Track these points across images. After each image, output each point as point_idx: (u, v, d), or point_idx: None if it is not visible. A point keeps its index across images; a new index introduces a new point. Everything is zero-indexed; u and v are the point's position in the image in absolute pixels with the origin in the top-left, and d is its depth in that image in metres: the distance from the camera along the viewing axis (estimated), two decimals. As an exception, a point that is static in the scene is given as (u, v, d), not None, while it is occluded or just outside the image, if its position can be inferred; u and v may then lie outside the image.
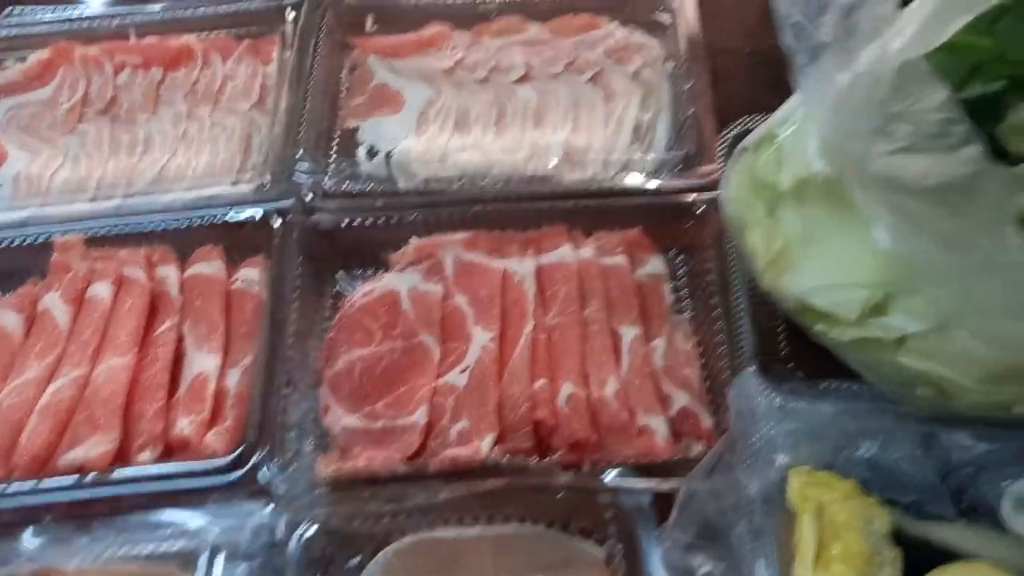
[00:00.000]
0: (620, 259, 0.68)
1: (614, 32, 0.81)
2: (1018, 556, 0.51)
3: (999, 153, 0.51)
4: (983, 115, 0.48)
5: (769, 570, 0.48)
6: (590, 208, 0.70)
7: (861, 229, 0.52)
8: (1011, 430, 0.56)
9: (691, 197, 0.69)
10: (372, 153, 0.75)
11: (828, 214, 0.54)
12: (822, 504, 0.50)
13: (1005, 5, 0.45)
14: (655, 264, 0.69)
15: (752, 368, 0.60)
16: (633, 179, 0.71)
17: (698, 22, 0.79)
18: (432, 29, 0.82)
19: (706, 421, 0.62)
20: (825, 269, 0.55)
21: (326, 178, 0.71)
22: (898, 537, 0.51)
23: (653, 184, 0.70)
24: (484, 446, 0.59)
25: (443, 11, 0.83)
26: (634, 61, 0.79)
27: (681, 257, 0.71)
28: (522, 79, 0.79)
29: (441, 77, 0.79)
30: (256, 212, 0.69)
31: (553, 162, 0.72)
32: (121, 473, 0.58)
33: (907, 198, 0.45)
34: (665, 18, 0.82)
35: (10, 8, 0.86)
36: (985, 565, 0.49)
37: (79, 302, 0.66)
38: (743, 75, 0.78)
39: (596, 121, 0.76)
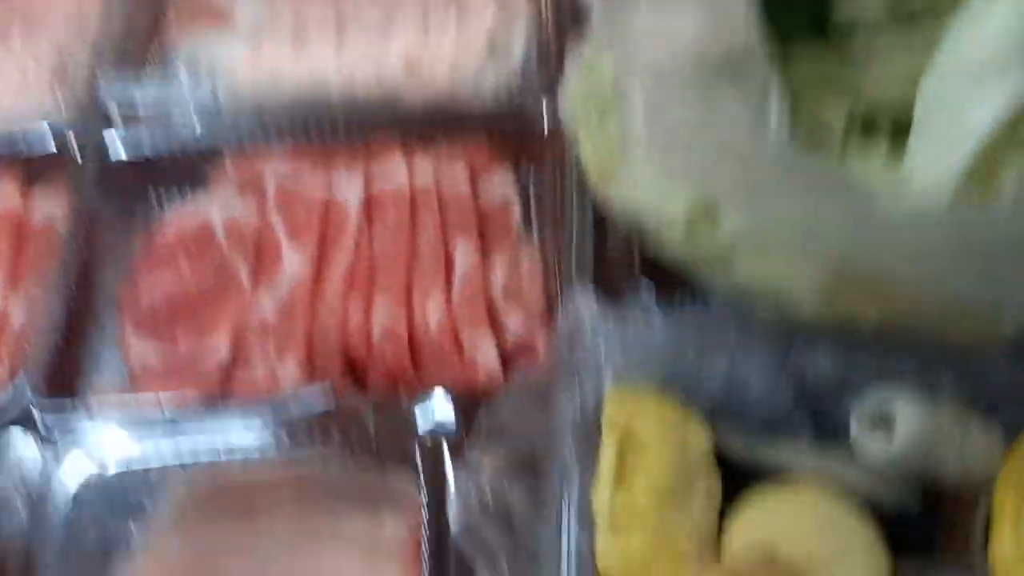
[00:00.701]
0: (461, 175, 0.62)
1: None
2: (861, 478, 0.46)
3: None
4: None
5: (574, 496, 0.43)
6: (432, 122, 0.64)
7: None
8: (869, 350, 0.51)
9: (541, 110, 0.63)
10: (192, 70, 0.68)
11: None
12: (631, 419, 0.44)
13: None
14: (501, 182, 0.63)
15: (588, 284, 0.54)
16: (481, 91, 0.65)
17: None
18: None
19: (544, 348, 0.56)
20: (645, 179, 0.49)
21: (139, 101, 0.64)
22: (727, 461, 0.46)
23: (501, 96, 0.64)
24: (288, 373, 0.53)
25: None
26: (492, -30, 0.73)
27: (532, 174, 0.65)
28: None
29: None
30: (52, 141, 0.63)
31: (395, 74, 0.66)
32: None
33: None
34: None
35: None
36: (808, 485, 0.43)
37: None
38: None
39: (447, 34, 0.69)
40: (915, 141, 0.41)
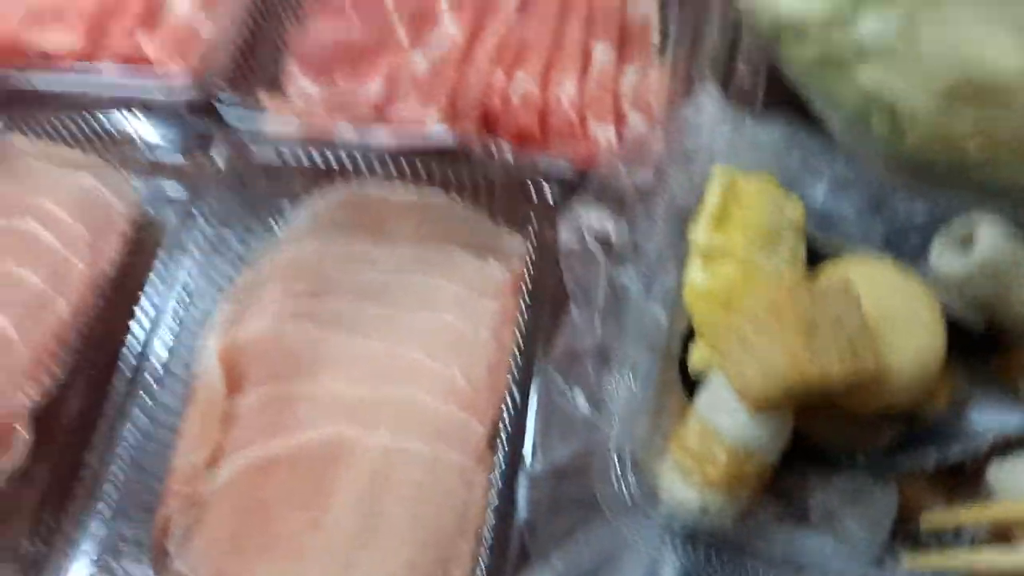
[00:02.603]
0: (608, -12, 0.66)
1: None
2: (937, 291, 0.49)
3: None
4: None
5: (670, 228, 0.48)
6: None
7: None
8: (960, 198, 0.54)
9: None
10: None
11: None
12: (736, 178, 0.49)
13: None
14: (646, 4, 0.67)
15: (713, 87, 0.58)
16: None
17: None
18: None
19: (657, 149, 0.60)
20: None
21: None
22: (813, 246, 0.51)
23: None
24: (430, 121, 0.59)
25: None
26: None
27: (676, 8, 0.68)
28: None
29: None
30: None
31: None
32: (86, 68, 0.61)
33: None
34: None
35: None
36: (884, 261, 0.47)
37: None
38: None
39: None
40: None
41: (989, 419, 0.48)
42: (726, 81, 0.62)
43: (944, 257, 0.49)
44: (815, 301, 0.41)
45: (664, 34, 0.67)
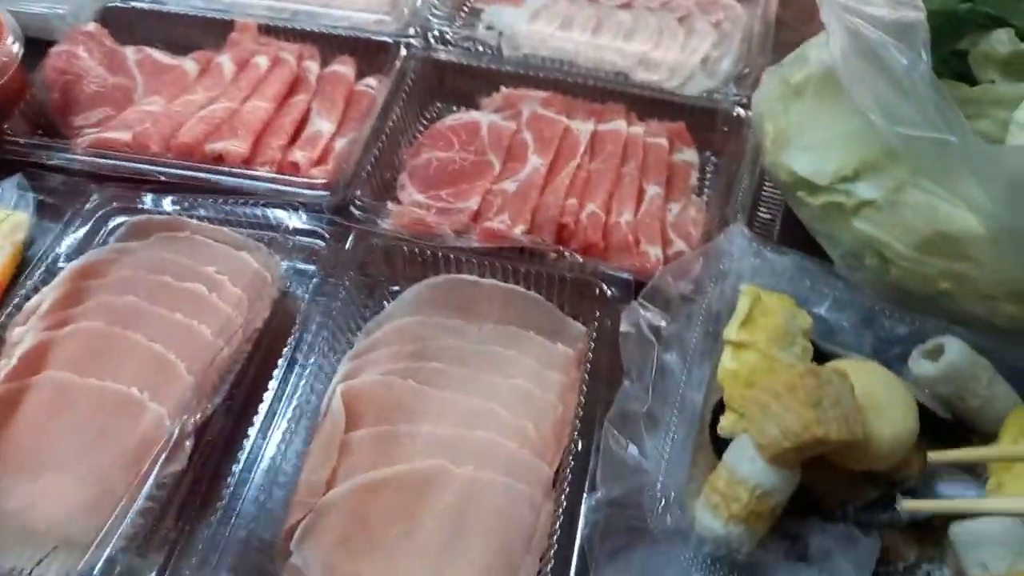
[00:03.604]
0: (662, 140, 0.83)
1: (705, -16, 0.97)
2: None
3: (961, 73, 0.65)
4: (949, 32, 0.62)
5: (705, 327, 0.62)
6: (648, 100, 0.85)
7: (843, 119, 0.66)
8: (936, 321, 0.68)
9: (732, 109, 0.84)
10: (489, 27, 0.92)
11: (820, 105, 0.68)
12: (760, 294, 0.63)
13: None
14: (688, 154, 0.84)
15: (742, 224, 0.73)
16: (689, 90, 0.87)
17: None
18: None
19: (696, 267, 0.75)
20: (811, 145, 0.68)
21: (449, 30, 0.89)
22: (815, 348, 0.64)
23: (702, 94, 0.86)
24: (516, 231, 0.75)
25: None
26: (717, 14, 0.95)
27: (712, 157, 0.85)
28: (624, 6, 0.96)
29: (560, -8, 0.97)
30: (390, 39, 0.87)
31: (630, 65, 0.88)
32: (248, 172, 0.76)
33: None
34: (753, -10, 0.98)
35: None
36: (872, 363, 0.61)
37: (243, 65, 0.85)
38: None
39: (674, 47, 0.91)
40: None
41: (951, 490, 0.60)
42: (751, 219, 0.78)
43: (920, 364, 0.62)
44: (820, 384, 0.54)
45: (702, 178, 0.84)
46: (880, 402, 0.57)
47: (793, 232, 0.73)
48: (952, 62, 0.65)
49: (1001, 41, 0.61)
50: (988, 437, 0.62)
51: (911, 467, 0.59)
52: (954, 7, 0.61)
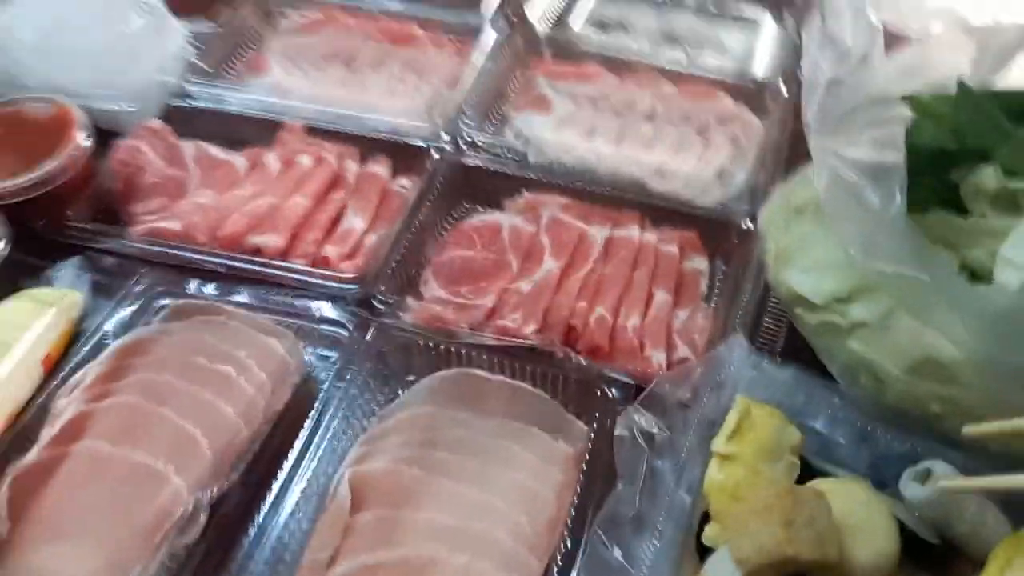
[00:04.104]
0: (673, 248, 0.87)
1: (728, 104, 1.02)
2: (900, 508, 0.64)
3: (953, 203, 0.68)
4: (940, 165, 0.65)
5: (699, 434, 0.64)
6: (662, 209, 0.90)
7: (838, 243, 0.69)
8: (931, 440, 0.69)
9: (743, 222, 0.88)
10: (517, 135, 0.98)
11: (819, 228, 0.70)
12: (751, 407, 0.65)
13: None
14: (699, 262, 0.87)
15: (743, 336, 0.76)
16: (703, 201, 0.91)
17: (792, 115, 0.99)
18: (591, 68, 1.06)
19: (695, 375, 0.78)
20: (810, 266, 0.71)
21: (479, 136, 0.95)
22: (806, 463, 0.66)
23: (715, 205, 0.90)
24: (527, 330, 0.79)
25: (602, 59, 1.07)
26: (735, 127, 0.99)
27: (722, 266, 0.89)
28: (647, 117, 1.01)
29: (586, 101, 1.03)
30: (423, 143, 0.94)
31: (648, 174, 0.93)
32: (284, 264, 0.83)
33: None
34: (771, 106, 1.02)
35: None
36: (857, 483, 0.62)
37: (289, 163, 0.92)
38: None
39: (691, 159, 0.96)
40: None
41: (936, 616, 0.61)
42: (756, 328, 0.80)
43: (909, 487, 0.63)
44: (796, 504, 0.56)
45: (711, 286, 0.87)
46: (859, 524, 0.58)
47: (797, 344, 0.75)
48: (945, 193, 0.68)
49: (988, 176, 0.64)
50: (977, 563, 0.62)
51: (894, 592, 0.60)
52: (943, 143, 0.64)
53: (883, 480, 0.66)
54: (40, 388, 0.74)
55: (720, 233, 0.88)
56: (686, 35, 1.14)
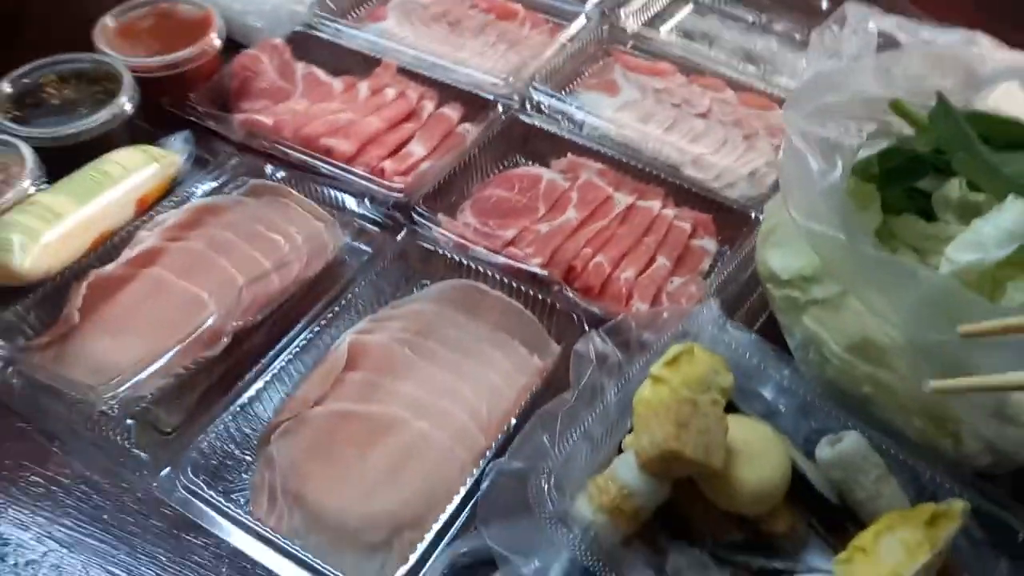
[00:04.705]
0: (686, 225, 0.94)
1: (780, 118, 1.08)
2: (812, 473, 0.69)
3: (925, 211, 0.73)
4: (912, 170, 0.71)
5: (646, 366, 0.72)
6: (687, 191, 0.97)
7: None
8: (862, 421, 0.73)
9: (755, 214, 0.94)
10: (580, 107, 1.08)
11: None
12: (693, 348, 0.72)
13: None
14: (708, 243, 0.94)
15: (716, 302, 0.83)
16: (729, 192, 0.98)
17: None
18: (662, 65, 1.14)
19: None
20: (784, 242, 0.77)
21: (545, 100, 1.06)
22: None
23: (738, 199, 0.97)
24: (533, 261, 0.88)
25: (676, 59, 1.16)
26: (781, 140, 1.05)
27: (729, 250, 0.95)
28: (700, 115, 1.09)
29: (651, 92, 1.11)
30: (494, 97, 1.05)
31: (685, 160, 1.01)
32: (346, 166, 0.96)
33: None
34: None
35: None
36: (765, 424, 0.68)
37: (376, 92, 1.06)
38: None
39: (730, 157, 1.03)
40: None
41: (813, 560, 0.66)
42: (736, 306, 0.87)
43: (821, 448, 0.69)
44: (693, 411, 0.63)
45: (712, 266, 0.94)
46: (752, 451, 0.65)
47: (775, 328, 0.81)
48: (918, 199, 0.73)
49: (953, 187, 0.69)
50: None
51: (778, 523, 0.66)
52: (916, 151, 0.70)
53: (812, 453, 0.72)
54: (131, 221, 0.90)
55: (734, 221, 0.95)
56: (765, 56, 1.21)
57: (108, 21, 1.04)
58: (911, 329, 0.64)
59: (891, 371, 0.69)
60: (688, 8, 1.28)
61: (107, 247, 0.87)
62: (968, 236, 0.65)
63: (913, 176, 0.71)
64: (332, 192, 0.93)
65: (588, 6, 1.21)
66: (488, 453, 0.73)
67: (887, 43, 0.75)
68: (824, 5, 1.23)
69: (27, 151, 0.88)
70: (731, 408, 0.71)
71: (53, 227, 0.82)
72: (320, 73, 1.10)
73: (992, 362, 0.59)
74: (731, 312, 0.84)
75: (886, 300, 0.65)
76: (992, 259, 0.62)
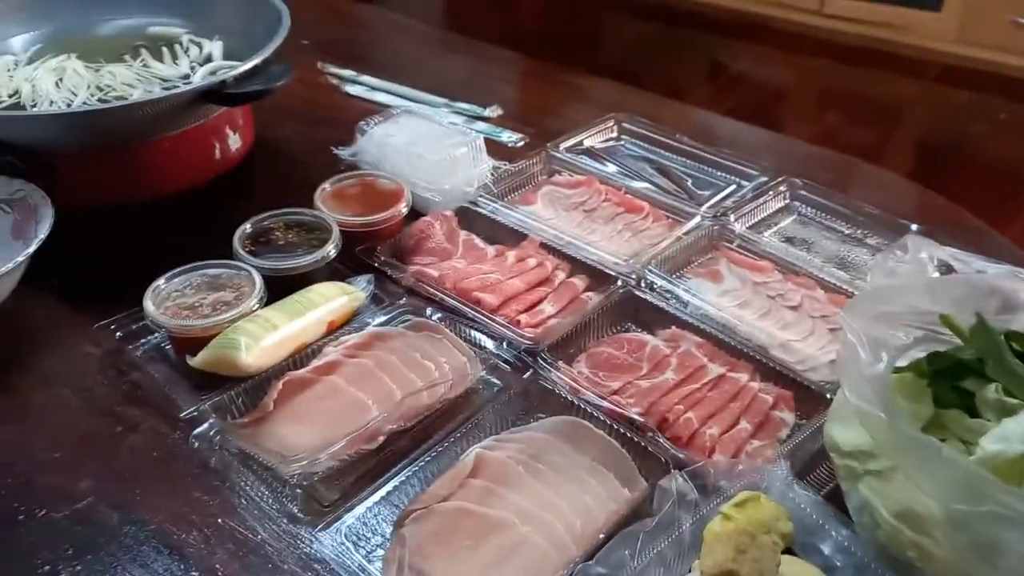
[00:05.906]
0: (769, 398, 1.06)
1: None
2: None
3: (970, 407, 0.83)
4: (958, 371, 0.82)
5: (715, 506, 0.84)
6: (772, 370, 1.10)
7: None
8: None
9: (829, 395, 1.06)
10: (686, 290, 1.25)
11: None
12: (761, 496, 0.83)
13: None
14: (787, 416, 1.06)
15: (786, 463, 0.94)
16: (808, 374, 1.10)
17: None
18: (763, 263, 1.30)
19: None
20: (847, 418, 0.89)
21: (657, 281, 1.24)
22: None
23: (816, 379, 1.09)
24: (632, 410, 1.03)
25: (776, 259, 1.32)
26: (862, 335, 1.18)
27: (805, 422, 1.06)
28: (792, 307, 1.23)
29: (750, 284, 1.27)
30: (615, 274, 1.25)
31: (775, 343, 1.15)
32: (490, 315, 1.16)
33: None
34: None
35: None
36: (819, 570, 0.78)
37: (520, 260, 1.28)
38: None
39: (815, 345, 1.16)
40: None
41: None
42: (806, 472, 0.97)
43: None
44: (751, 542, 0.75)
45: (790, 436, 1.05)
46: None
47: (839, 495, 0.91)
48: (966, 397, 0.84)
49: (991, 391, 0.81)
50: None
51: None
52: (959, 356, 0.82)
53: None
54: (321, 338, 1.12)
55: (812, 399, 1.07)
56: (856, 263, 1.35)
57: (326, 186, 1.33)
58: (944, 503, 0.75)
59: (931, 539, 0.79)
60: (792, 218, 1.45)
61: (301, 356, 1.09)
62: (997, 431, 0.76)
63: (957, 377, 0.83)
64: (476, 334, 1.13)
65: (703, 208, 1.41)
66: (577, 559, 0.86)
67: (944, 271, 0.89)
68: (913, 227, 1.38)
69: (256, 277, 1.13)
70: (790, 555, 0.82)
71: (270, 335, 1.04)
72: (478, 241, 1.33)
73: (1019, 536, 0.68)
74: (801, 476, 0.95)
75: (922, 475, 0.75)
76: (1015, 451, 0.73)
